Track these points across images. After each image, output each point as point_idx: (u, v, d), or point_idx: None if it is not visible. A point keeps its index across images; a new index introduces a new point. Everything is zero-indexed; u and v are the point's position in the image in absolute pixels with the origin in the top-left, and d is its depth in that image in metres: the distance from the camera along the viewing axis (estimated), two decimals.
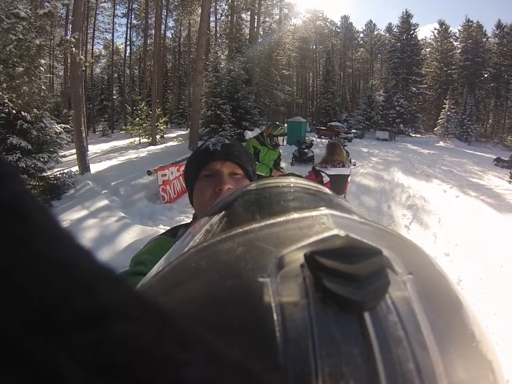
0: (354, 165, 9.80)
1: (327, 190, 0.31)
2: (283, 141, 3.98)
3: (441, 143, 26.65)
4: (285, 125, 16.15)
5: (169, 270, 0.20)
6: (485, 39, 35.33)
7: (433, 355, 0.15)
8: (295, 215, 0.21)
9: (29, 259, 0.08)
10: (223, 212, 0.27)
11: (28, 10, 6.27)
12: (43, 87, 6.29)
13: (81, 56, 7.43)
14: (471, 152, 21.30)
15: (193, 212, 0.91)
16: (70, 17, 20.93)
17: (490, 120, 35.72)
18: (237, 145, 0.85)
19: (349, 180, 3.74)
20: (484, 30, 35.45)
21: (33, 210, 0.09)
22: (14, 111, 5.66)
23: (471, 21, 35.68)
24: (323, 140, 18.53)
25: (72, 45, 6.52)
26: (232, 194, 0.30)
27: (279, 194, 0.27)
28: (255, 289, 0.16)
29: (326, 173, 3.60)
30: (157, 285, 0.20)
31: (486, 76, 34.55)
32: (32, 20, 6.14)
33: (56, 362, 0.07)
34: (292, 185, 0.29)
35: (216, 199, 0.78)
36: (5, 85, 5.60)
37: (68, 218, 5.17)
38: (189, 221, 1.04)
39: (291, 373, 0.13)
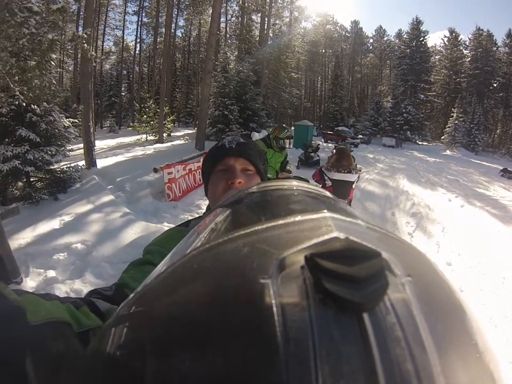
0: (360, 170, 9.80)
1: (328, 193, 0.31)
2: (289, 143, 3.97)
3: (448, 152, 26.51)
4: (292, 128, 16.15)
5: (172, 271, 0.21)
6: (495, 48, 34.99)
7: (432, 356, 0.15)
8: (296, 218, 0.21)
9: None
10: (225, 213, 0.27)
11: (41, 5, 6.34)
12: (53, 81, 6.34)
13: (93, 52, 7.49)
14: (478, 162, 21.19)
15: (198, 210, 0.95)
16: (81, 13, 21.13)
17: (498, 130, 35.42)
18: (251, 144, 0.91)
19: (353, 187, 3.74)
20: (494, 39, 35.14)
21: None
22: (24, 104, 5.71)
23: (482, 30, 35.40)
24: (329, 144, 18.51)
25: (84, 41, 6.57)
26: (234, 195, 0.30)
27: (280, 196, 0.28)
28: (256, 290, 0.16)
29: (329, 177, 3.62)
30: (160, 286, 0.21)
31: (495, 85, 34.25)
32: (44, 15, 6.20)
33: None
34: (293, 188, 0.29)
35: (228, 191, 0.79)
36: (17, 77, 5.66)
37: (73, 211, 5.22)
38: None
39: (291, 372, 0.14)
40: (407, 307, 0.16)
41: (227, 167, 0.85)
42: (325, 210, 0.23)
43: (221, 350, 0.15)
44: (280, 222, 0.21)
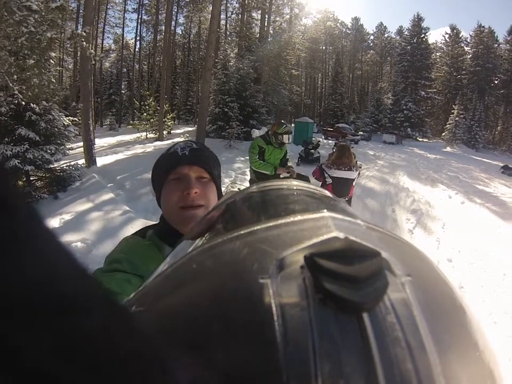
0: (360, 167, 9.81)
1: (327, 193, 0.31)
2: (288, 139, 3.98)
3: (448, 149, 26.47)
4: (292, 125, 16.14)
5: (171, 271, 0.21)
6: (496, 45, 34.94)
7: (431, 356, 0.15)
8: (296, 218, 0.21)
9: (14, 250, 0.09)
10: (225, 213, 0.27)
11: (40, 3, 6.32)
12: (53, 79, 6.33)
13: (91, 51, 7.47)
14: (478, 158, 21.14)
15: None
16: (81, 11, 21.09)
17: (499, 127, 35.34)
18: (204, 149, 0.88)
19: (353, 184, 3.73)
20: (495, 35, 35.08)
21: (21, 208, 0.10)
22: (23, 103, 5.70)
23: (483, 26, 35.30)
24: (329, 141, 18.50)
25: (83, 39, 6.55)
26: (234, 196, 0.30)
27: (280, 196, 0.28)
28: (255, 290, 0.16)
29: (329, 175, 3.61)
30: (159, 286, 0.21)
31: (496, 82, 34.19)
32: (43, 13, 6.18)
33: (20, 342, 0.08)
34: (293, 187, 0.29)
35: (184, 201, 0.78)
36: (15, 76, 5.65)
37: (72, 210, 5.22)
38: None
39: (291, 372, 0.14)
40: (407, 307, 0.16)
41: (181, 176, 0.81)
42: (325, 210, 0.23)
43: (219, 350, 0.15)
44: (280, 221, 0.21)
